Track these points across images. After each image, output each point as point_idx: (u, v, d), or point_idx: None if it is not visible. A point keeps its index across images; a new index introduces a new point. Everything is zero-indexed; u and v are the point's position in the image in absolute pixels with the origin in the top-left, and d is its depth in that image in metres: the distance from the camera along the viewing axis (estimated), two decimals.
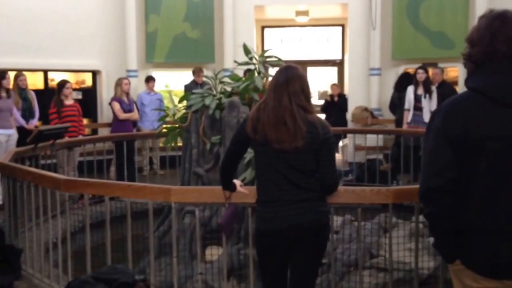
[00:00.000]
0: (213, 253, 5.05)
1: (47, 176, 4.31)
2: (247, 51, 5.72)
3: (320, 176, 2.94)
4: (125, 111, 8.57)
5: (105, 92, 10.25)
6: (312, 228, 2.93)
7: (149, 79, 9.86)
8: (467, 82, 2.20)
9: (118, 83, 8.69)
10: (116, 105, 8.53)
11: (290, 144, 2.83)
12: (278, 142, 2.85)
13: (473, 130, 2.07)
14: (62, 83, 7.74)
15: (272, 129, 2.85)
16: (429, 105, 8.24)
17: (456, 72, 10.80)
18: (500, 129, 2.06)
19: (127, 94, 8.73)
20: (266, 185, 2.97)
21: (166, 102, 9.28)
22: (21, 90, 8.01)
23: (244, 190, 3.36)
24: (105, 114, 10.32)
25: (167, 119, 6.12)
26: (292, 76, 2.93)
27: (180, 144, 6.08)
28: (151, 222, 3.94)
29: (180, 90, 10.13)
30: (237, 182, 3.39)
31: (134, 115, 8.75)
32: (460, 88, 10.24)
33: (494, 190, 2.07)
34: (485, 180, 2.08)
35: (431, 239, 5.49)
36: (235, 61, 5.79)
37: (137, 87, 10.25)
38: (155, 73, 10.53)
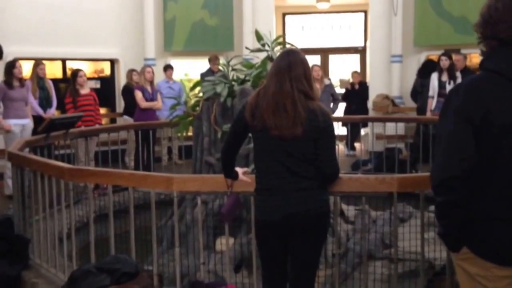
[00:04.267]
0: (224, 242, 4.98)
1: (51, 164, 4.30)
2: (259, 37, 5.62)
3: (320, 164, 2.86)
4: (147, 100, 8.55)
5: (123, 81, 10.25)
6: (310, 217, 2.86)
7: (167, 68, 9.82)
8: (484, 63, 2.09)
9: (141, 71, 8.75)
10: (139, 94, 8.52)
11: (289, 131, 2.76)
12: (277, 129, 2.78)
13: (496, 113, 1.96)
14: (75, 72, 7.78)
15: (271, 115, 2.79)
16: None
17: (478, 58, 10.50)
18: None
19: (151, 82, 8.72)
20: (264, 173, 2.92)
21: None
22: (39, 79, 8.03)
23: (246, 179, 3.30)
24: (123, 103, 10.32)
25: (181, 107, 6.07)
26: (295, 60, 2.84)
27: (191, 133, 6.02)
28: (153, 211, 3.89)
29: (198, 78, 10.07)
30: (239, 170, 3.32)
31: (157, 104, 8.72)
32: None
33: None
34: (506, 168, 1.99)
35: None
36: (247, 48, 5.69)
37: (155, 75, 10.22)
38: (173, 62, 10.49)
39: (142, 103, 8.49)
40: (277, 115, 2.77)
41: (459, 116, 2.00)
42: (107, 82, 10.53)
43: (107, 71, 10.69)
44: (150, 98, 8.62)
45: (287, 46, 5.64)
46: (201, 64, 10.27)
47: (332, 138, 2.88)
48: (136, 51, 10.38)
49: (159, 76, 10.02)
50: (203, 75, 9.29)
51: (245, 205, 4.39)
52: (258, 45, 5.71)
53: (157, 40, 10.59)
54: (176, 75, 10.10)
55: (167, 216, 5.66)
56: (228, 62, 5.70)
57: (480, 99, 1.99)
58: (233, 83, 5.51)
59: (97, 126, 7.71)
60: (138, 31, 10.43)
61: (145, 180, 3.88)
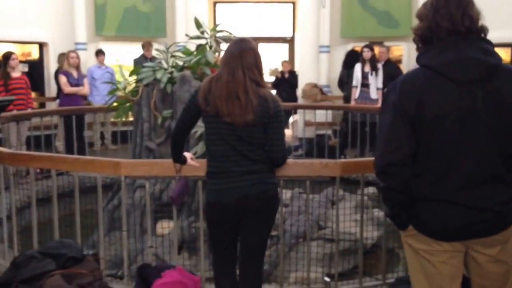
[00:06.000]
0: (165, 226, 5.07)
1: None
2: (198, 25, 5.70)
3: (269, 149, 2.98)
4: (72, 85, 8.41)
5: (53, 65, 10.02)
6: (261, 200, 2.98)
7: (99, 53, 9.68)
8: (419, 59, 2.25)
9: (66, 56, 8.55)
10: (63, 79, 8.38)
11: (241, 118, 2.86)
12: (229, 116, 2.87)
13: (429, 107, 2.13)
14: (7, 55, 7.57)
15: (224, 103, 2.87)
16: (375, 82, 8.46)
17: (401, 50, 11.14)
18: (453, 105, 2.13)
19: (76, 67, 8.57)
20: (216, 156, 2.99)
21: (118, 76, 9.15)
22: None
23: (194, 163, 3.39)
24: (52, 87, 10.08)
25: (118, 93, 6.05)
26: (246, 49, 2.93)
27: (131, 118, 6.04)
28: (100, 196, 3.90)
29: (131, 65, 9.96)
30: (187, 154, 3.41)
31: (83, 89, 8.59)
32: (404, 66, 10.59)
33: (447, 163, 2.17)
34: (440, 154, 2.17)
35: (375, 211, 5.74)
36: (187, 35, 5.76)
37: (86, 60, 10.04)
38: (105, 47, 10.31)
39: (66, 88, 8.37)
40: (230, 102, 2.86)
41: (396, 110, 2.18)
42: (35, 66, 10.22)
43: (35, 55, 10.36)
44: (75, 83, 8.49)
45: (225, 34, 5.75)
46: (134, 50, 10.20)
47: (281, 123, 3.01)
48: (66, 34, 10.13)
49: (91, 61, 9.86)
50: (136, 61, 9.26)
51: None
52: (190, 32, 5.78)
53: (88, 24, 10.40)
54: (108, 61, 9.97)
55: (105, 201, 5.67)
56: (168, 49, 5.76)
57: (413, 94, 2.16)
58: (172, 69, 5.58)
59: (29, 110, 7.54)
60: (68, 15, 10.17)
61: (91, 165, 3.87)
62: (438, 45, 2.19)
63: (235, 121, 2.87)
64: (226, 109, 2.87)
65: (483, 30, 2.22)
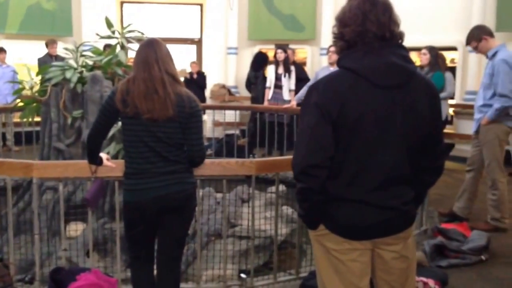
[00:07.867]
0: (76, 228, 4.99)
1: None
2: (109, 24, 5.67)
3: (188, 149, 3.04)
4: None
5: None
6: (179, 199, 3.02)
7: (0, 51, 9.26)
8: (340, 61, 2.24)
9: None
10: None
11: (161, 112, 2.88)
12: (149, 112, 2.87)
13: (351, 109, 2.12)
14: None
15: (143, 100, 2.88)
16: (288, 83, 8.68)
17: (305, 53, 11.53)
18: (373, 109, 2.14)
19: None
20: (134, 157, 2.98)
21: (21, 75, 8.82)
22: None
23: (110, 164, 3.38)
24: None
25: (23, 92, 5.86)
26: (159, 47, 2.99)
27: (37, 119, 5.88)
28: (9, 199, 3.78)
29: (34, 63, 9.62)
30: (103, 155, 3.38)
31: None
32: (308, 68, 10.99)
33: (363, 164, 2.19)
34: (357, 156, 2.18)
35: (284, 208, 5.95)
36: (97, 34, 5.68)
37: None
38: (7, 45, 9.94)
39: None
40: (149, 99, 2.88)
41: (319, 110, 2.13)
42: None
43: None
44: None
45: (136, 34, 5.75)
46: (38, 48, 9.86)
47: (199, 123, 3.06)
48: None
49: None
50: (41, 60, 8.97)
51: None
52: (98, 31, 5.73)
53: None
54: (10, 59, 9.57)
55: (12, 203, 5.48)
56: (77, 48, 5.67)
57: (336, 94, 2.13)
58: (82, 69, 5.50)
59: None
60: None
61: (1, 167, 3.69)
62: (362, 49, 2.19)
63: (154, 117, 2.88)
64: (145, 106, 2.88)
65: (401, 36, 2.26)
